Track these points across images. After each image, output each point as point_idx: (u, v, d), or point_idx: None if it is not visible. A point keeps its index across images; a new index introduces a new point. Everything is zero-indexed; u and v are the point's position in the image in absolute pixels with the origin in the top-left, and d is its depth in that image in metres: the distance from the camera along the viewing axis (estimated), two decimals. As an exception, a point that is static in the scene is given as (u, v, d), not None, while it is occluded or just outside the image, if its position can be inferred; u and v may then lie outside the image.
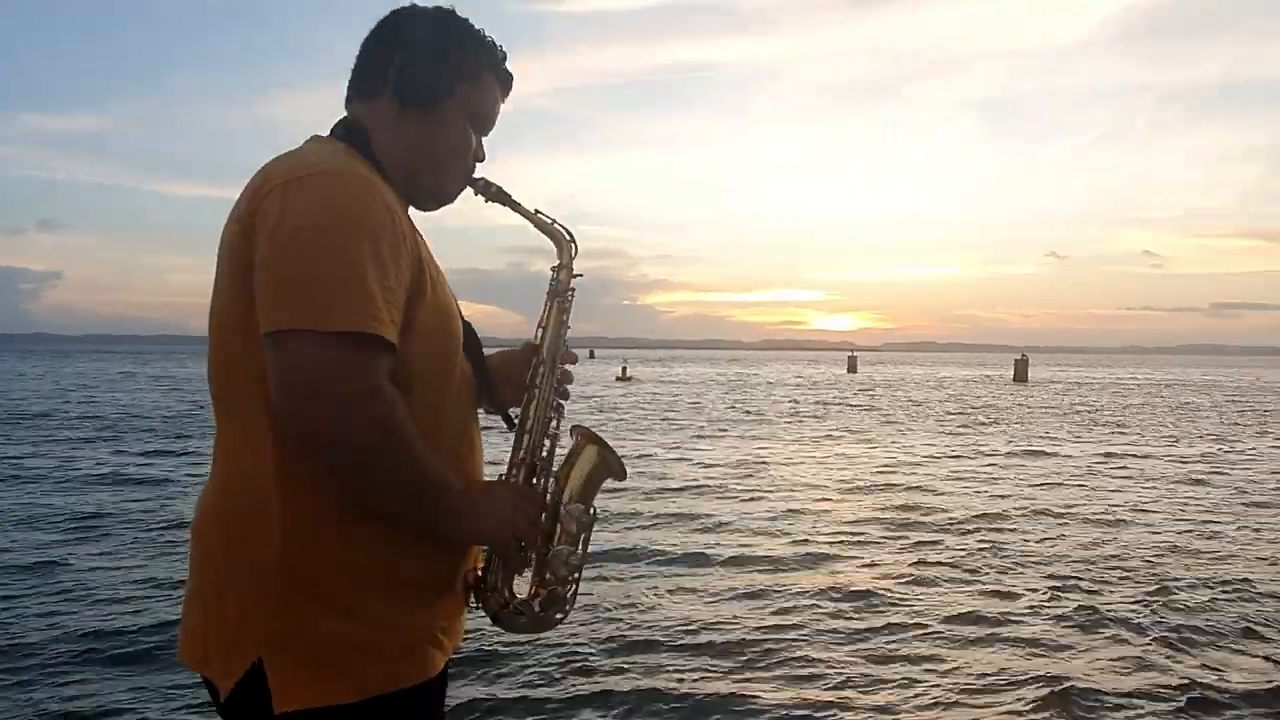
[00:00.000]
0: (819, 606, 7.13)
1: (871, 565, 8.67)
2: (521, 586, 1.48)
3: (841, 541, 9.66)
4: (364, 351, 1.22)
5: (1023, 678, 5.63)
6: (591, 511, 1.51)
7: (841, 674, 5.64)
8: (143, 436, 19.76)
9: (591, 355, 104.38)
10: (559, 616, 1.50)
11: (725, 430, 22.81)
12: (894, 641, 6.30)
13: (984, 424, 26.20)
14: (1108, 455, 18.49)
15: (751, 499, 12.22)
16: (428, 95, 1.45)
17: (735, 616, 6.81)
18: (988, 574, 8.32)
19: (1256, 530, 10.61)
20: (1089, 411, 32.50)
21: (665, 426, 23.39)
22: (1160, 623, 6.79)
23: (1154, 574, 8.31)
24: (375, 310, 1.23)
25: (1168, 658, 6.07)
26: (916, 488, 13.57)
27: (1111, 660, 6.01)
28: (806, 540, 9.68)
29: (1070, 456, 18.18)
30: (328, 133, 1.47)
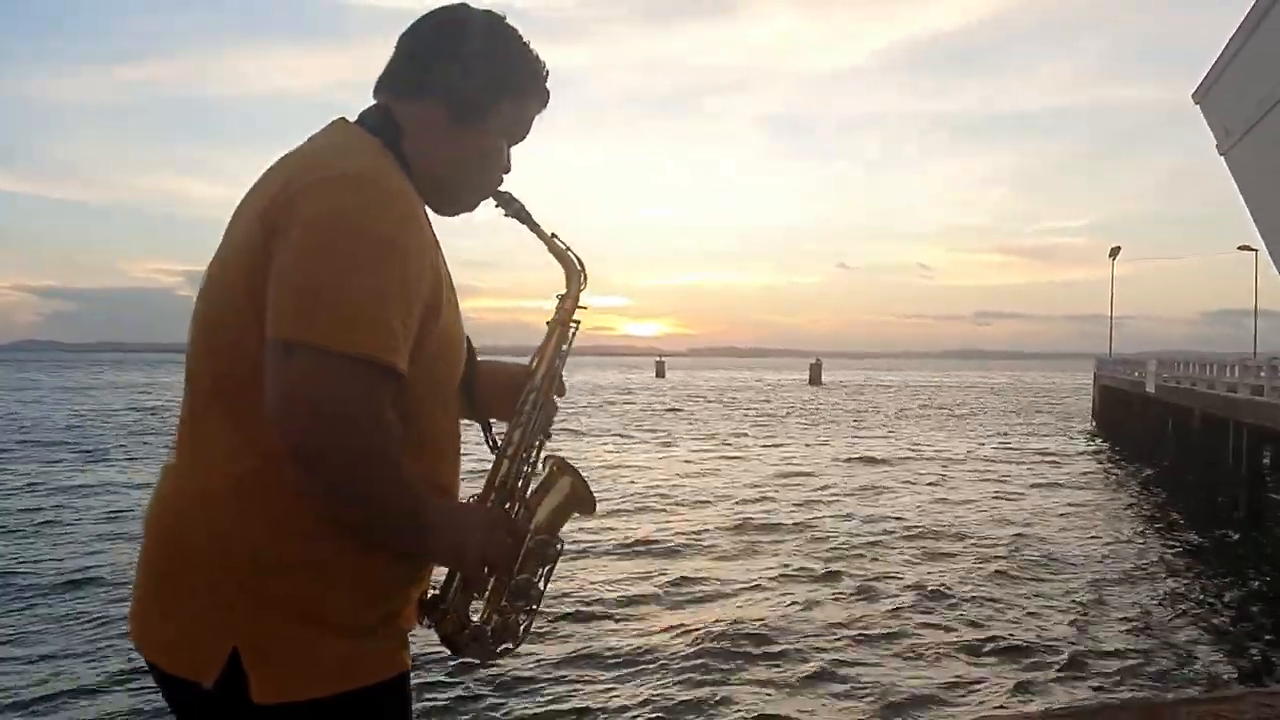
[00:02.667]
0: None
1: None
2: (475, 611, 1.43)
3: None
4: (372, 378, 1.20)
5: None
6: (558, 545, 1.47)
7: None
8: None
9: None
10: (509, 646, 1.44)
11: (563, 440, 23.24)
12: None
13: (798, 424, 28.58)
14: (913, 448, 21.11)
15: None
16: (477, 107, 1.41)
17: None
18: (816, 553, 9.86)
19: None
20: (876, 411, 36.04)
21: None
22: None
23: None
24: (391, 339, 1.21)
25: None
26: (763, 496, 15.01)
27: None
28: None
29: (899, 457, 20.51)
30: (354, 118, 1.41)
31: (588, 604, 7.66)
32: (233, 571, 1.25)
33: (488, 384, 1.55)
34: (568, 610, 7.44)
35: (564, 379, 1.56)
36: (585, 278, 1.56)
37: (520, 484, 1.47)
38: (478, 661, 1.45)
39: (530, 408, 1.50)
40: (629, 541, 10.14)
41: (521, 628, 1.44)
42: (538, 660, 6.30)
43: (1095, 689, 5.72)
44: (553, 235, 1.56)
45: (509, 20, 1.45)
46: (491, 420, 1.55)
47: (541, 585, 1.46)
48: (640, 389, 54.53)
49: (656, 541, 10.20)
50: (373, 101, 1.43)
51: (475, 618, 1.41)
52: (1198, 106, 24.82)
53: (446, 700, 5.64)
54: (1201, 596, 8.16)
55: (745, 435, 24.10)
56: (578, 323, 1.56)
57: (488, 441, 1.53)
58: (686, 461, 18.11)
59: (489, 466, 1.45)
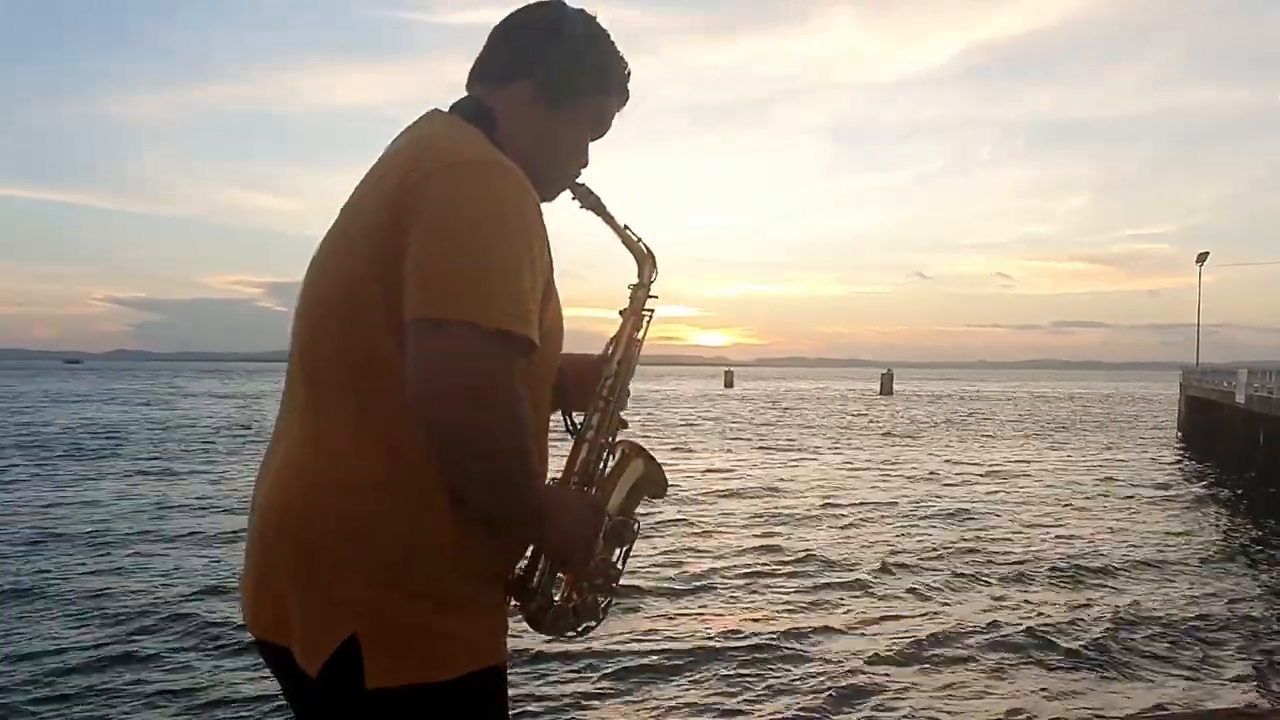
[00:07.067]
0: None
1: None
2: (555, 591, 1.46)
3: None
4: (512, 351, 1.22)
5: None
6: (635, 526, 1.50)
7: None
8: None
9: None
10: (591, 625, 1.48)
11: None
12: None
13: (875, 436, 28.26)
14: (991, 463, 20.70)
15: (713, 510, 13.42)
16: (571, 95, 1.45)
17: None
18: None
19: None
20: (951, 423, 35.38)
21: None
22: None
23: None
24: (526, 312, 1.23)
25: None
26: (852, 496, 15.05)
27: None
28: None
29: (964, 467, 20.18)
30: (447, 109, 1.44)
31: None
32: (361, 560, 1.25)
33: (570, 376, 1.56)
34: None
35: (636, 366, 1.59)
36: (656, 268, 1.60)
37: (600, 468, 1.49)
38: (561, 637, 1.48)
39: (608, 393, 1.53)
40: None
41: (602, 606, 1.48)
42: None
43: (1160, 700, 5.67)
44: (625, 227, 1.60)
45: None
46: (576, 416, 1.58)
47: (620, 565, 1.49)
48: (728, 398, 54.27)
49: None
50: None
51: (557, 598, 1.45)
52: (1290, 105, 23.78)
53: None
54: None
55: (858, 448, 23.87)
56: (651, 311, 1.59)
57: (567, 427, 1.56)
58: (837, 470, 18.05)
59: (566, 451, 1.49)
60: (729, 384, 79.57)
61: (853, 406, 46.55)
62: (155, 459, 18.77)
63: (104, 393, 53.95)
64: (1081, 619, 7.40)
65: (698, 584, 8.35)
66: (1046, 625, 7.18)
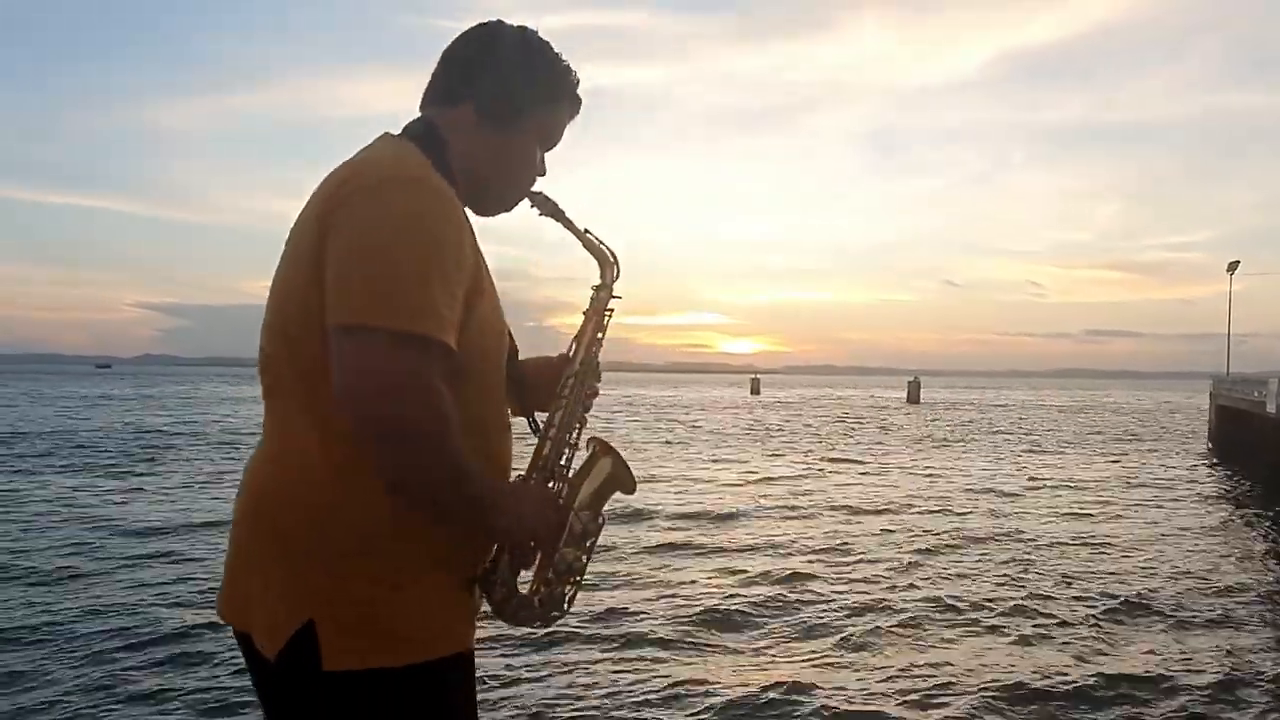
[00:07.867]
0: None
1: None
2: (522, 584, 1.51)
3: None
4: (424, 352, 1.28)
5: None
6: (599, 520, 1.54)
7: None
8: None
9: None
10: (555, 615, 1.52)
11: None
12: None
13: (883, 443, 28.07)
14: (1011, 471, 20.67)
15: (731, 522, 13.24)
16: (512, 113, 1.51)
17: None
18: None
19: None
20: (974, 429, 35.23)
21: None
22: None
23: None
24: (435, 316, 1.29)
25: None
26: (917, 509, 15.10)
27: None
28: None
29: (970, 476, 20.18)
30: (399, 130, 1.51)
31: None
32: (321, 553, 1.32)
33: (533, 377, 1.63)
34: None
35: (600, 364, 1.64)
36: (618, 269, 1.65)
37: (562, 463, 1.55)
38: (528, 627, 1.55)
39: (569, 391, 1.58)
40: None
41: (567, 599, 1.53)
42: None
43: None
44: (585, 230, 1.64)
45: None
46: (538, 415, 1.64)
47: (585, 559, 1.53)
48: (754, 406, 54.14)
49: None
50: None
51: (524, 590, 1.50)
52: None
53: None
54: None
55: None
56: (612, 311, 1.64)
57: (531, 426, 1.62)
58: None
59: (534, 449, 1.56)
60: (755, 391, 79.25)
61: (881, 415, 46.37)
62: (195, 461, 19.29)
63: (140, 396, 54.86)
64: (1091, 635, 7.34)
65: (737, 616, 7.62)
66: (1048, 640, 7.16)
